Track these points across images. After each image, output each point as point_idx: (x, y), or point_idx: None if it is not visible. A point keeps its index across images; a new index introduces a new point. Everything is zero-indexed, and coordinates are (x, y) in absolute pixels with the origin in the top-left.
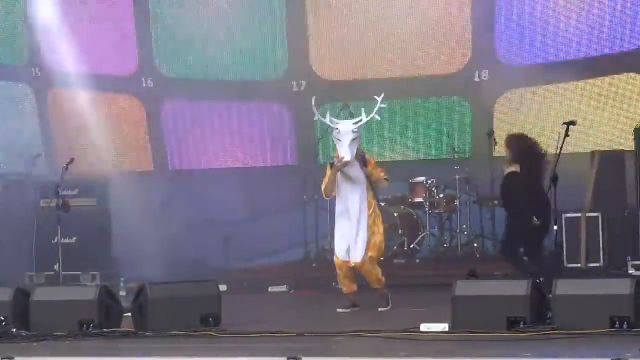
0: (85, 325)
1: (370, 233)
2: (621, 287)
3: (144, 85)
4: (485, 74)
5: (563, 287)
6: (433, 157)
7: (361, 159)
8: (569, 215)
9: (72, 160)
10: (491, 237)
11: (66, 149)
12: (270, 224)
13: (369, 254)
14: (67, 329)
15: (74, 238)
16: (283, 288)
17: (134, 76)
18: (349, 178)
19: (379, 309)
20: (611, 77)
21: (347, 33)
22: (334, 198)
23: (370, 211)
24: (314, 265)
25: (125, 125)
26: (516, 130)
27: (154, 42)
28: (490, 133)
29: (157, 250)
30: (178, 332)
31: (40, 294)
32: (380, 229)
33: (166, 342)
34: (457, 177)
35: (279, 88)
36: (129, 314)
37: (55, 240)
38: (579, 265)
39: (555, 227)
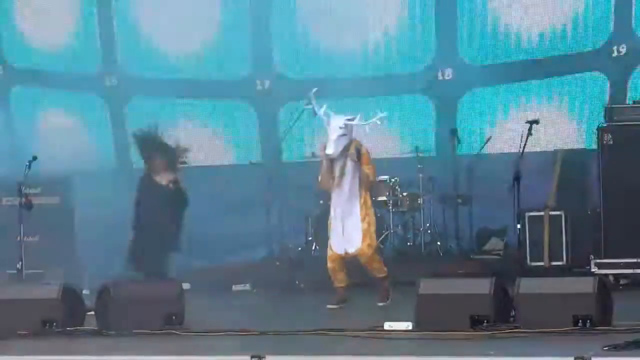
0: (48, 324)
1: (366, 224)
2: (584, 285)
3: (107, 83)
4: (449, 72)
5: (526, 286)
6: (396, 156)
7: (356, 152)
8: (531, 214)
9: (35, 158)
10: (455, 236)
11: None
12: (233, 222)
13: (367, 242)
14: (29, 328)
15: (37, 236)
16: (246, 286)
17: (97, 74)
18: (337, 172)
19: (379, 304)
20: (574, 75)
21: (312, 31)
22: (330, 189)
23: (361, 202)
24: (277, 263)
25: (88, 124)
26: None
27: (117, 40)
28: (454, 132)
29: (120, 249)
30: (141, 331)
31: (3, 293)
32: (373, 220)
33: (129, 341)
34: (420, 175)
35: (243, 87)
36: (92, 312)
37: (18, 239)
38: (542, 263)
39: (518, 226)
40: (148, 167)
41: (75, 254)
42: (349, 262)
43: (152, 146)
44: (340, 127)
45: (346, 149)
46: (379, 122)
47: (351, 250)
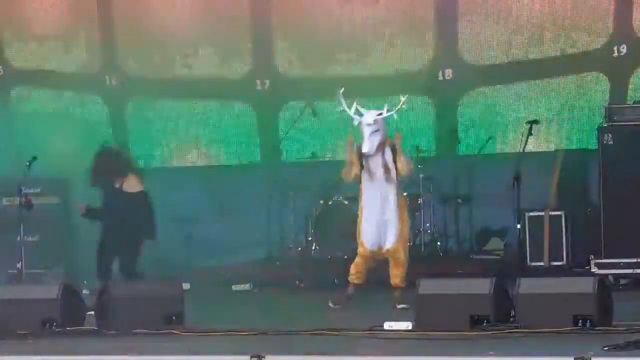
0: (48, 324)
1: (402, 223)
2: (584, 285)
3: (107, 83)
4: (449, 72)
5: (526, 286)
6: None
7: (392, 149)
8: (532, 214)
9: (34, 158)
10: (455, 236)
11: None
12: (233, 222)
13: (402, 242)
14: (29, 328)
15: (37, 236)
16: (247, 287)
17: (98, 74)
18: (372, 169)
19: (399, 306)
20: (575, 75)
21: (312, 31)
22: (352, 182)
23: (399, 200)
24: (277, 263)
25: (88, 124)
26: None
27: (117, 40)
28: (454, 132)
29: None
30: (141, 331)
31: (2, 293)
32: (407, 221)
33: (129, 341)
34: (420, 175)
35: (243, 86)
36: (92, 312)
37: (18, 239)
38: (542, 263)
39: (518, 226)
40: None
41: (75, 254)
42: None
43: (101, 163)
44: (373, 124)
45: (380, 145)
46: (404, 107)
47: (385, 246)
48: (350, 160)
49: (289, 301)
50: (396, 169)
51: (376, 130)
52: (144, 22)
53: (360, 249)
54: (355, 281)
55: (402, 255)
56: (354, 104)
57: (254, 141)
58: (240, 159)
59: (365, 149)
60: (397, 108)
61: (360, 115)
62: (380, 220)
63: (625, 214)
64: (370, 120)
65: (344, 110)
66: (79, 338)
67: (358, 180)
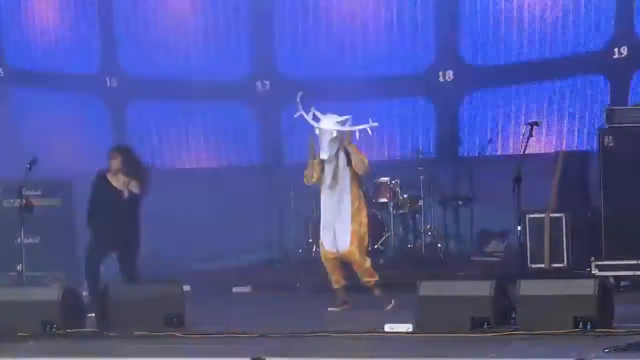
0: (48, 326)
1: (357, 224)
2: (585, 287)
3: (108, 85)
4: (449, 74)
5: (527, 288)
6: (397, 157)
7: (345, 152)
8: (532, 215)
9: (35, 160)
10: (455, 238)
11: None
12: (234, 224)
13: (355, 243)
14: (30, 330)
15: (38, 238)
16: (247, 289)
17: (98, 76)
18: (327, 173)
19: (387, 308)
20: (575, 77)
21: (313, 32)
22: (315, 184)
23: (353, 202)
24: (277, 266)
25: (89, 125)
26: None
27: (117, 42)
28: (454, 134)
29: None
30: (142, 332)
31: (3, 295)
32: (365, 220)
33: (130, 343)
34: (421, 177)
35: (243, 88)
36: (93, 314)
37: (19, 241)
38: (542, 265)
39: (519, 228)
40: (108, 166)
41: (75, 256)
42: (347, 265)
43: (118, 148)
44: (331, 132)
45: (338, 151)
46: (369, 132)
47: (341, 249)
48: (311, 163)
49: (289, 303)
50: (351, 171)
51: (335, 137)
52: (144, 22)
53: (321, 251)
54: (336, 286)
55: (356, 257)
56: (311, 110)
57: (254, 143)
58: (241, 161)
59: (324, 155)
60: (361, 127)
61: (318, 120)
62: (335, 224)
63: (626, 215)
64: (331, 126)
65: (301, 115)
66: (80, 340)
67: (319, 184)
